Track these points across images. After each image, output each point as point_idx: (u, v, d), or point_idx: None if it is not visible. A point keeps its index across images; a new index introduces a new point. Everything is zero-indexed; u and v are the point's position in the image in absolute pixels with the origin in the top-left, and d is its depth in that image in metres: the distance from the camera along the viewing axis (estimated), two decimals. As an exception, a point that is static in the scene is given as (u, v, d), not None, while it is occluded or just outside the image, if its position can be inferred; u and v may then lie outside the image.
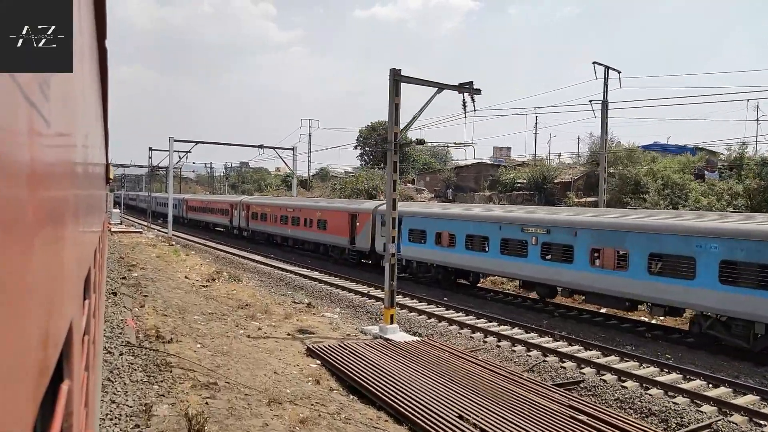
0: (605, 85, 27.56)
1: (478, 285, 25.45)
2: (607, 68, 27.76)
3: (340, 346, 14.00)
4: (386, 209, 16.89)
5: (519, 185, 41.30)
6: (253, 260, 33.77)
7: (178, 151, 44.95)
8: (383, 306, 17.46)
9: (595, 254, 17.71)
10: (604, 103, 27.68)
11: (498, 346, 15.95)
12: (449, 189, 48.35)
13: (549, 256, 19.09)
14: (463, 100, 17.85)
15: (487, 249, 21.51)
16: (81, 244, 1.92)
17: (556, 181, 38.00)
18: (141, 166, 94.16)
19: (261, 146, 45.08)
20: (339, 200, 37.84)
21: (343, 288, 24.16)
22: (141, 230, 53.36)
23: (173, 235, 44.24)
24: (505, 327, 18.04)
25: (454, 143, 19.53)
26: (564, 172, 38.88)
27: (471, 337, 17.00)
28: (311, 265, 31.32)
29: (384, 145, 15.95)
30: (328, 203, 34.29)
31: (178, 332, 13.64)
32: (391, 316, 16.40)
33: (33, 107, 0.88)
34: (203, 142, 43.43)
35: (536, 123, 50.19)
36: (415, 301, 21.99)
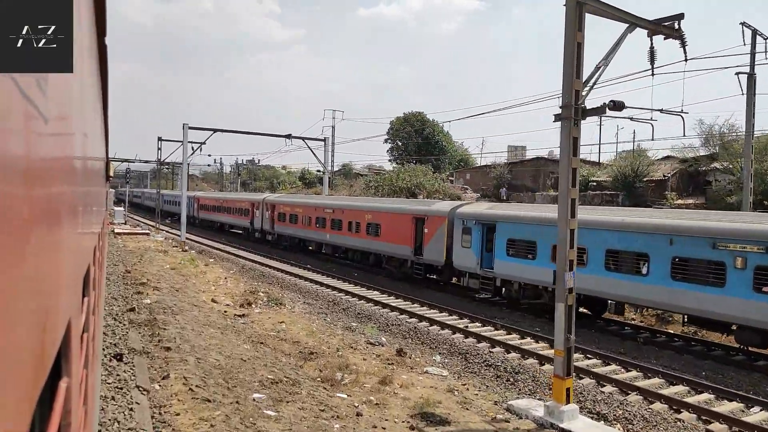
0: (752, 54, 21.25)
1: (603, 317, 19.12)
2: (755, 32, 21.43)
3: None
4: (559, 213, 10.57)
5: (594, 184, 34.93)
6: (288, 273, 27.48)
7: (192, 142, 38.71)
8: (540, 367, 11.18)
9: None
10: (751, 77, 21.36)
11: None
12: (503, 188, 42.04)
13: None
14: (651, 47, 11.53)
15: (645, 271, 15.16)
16: (80, 242, 1.84)
17: (645, 179, 31.72)
18: (147, 161, 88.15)
19: (289, 136, 38.85)
20: (397, 200, 31.49)
21: (430, 320, 17.78)
22: (148, 231, 47.19)
23: (186, 239, 37.97)
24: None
25: (661, 110, 13.29)
26: (652, 169, 32.62)
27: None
28: (362, 281, 25.04)
29: (560, 110, 8.75)
30: (381, 203, 28.01)
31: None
32: (568, 390, 10.07)
33: (30, 103, 0.88)
34: (221, 130, 37.23)
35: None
36: (544, 346, 15.59)
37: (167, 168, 67.75)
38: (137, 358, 9.79)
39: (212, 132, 36.48)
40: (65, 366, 1.36)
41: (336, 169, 73.45)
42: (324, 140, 40.60)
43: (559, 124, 10.18)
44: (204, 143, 40.83)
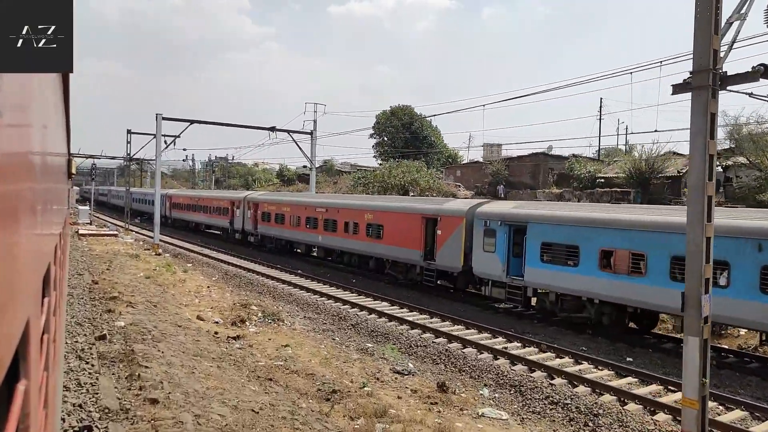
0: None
1: (653, 331, 16.77)
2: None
3: None
4: (689, 215, 7.98)
5: (602, 180, 32.84)
6: (279, 280, 24.49)
7: (166, 135, 35.16)
8: (622, 407, 8.61)
9: None
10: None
11: None
12: (500, 185, 39.70)
13: None
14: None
15: (724, 282, 12.78)
16: (39, 240, 1.76)
17: (659, 176, 29.69)
18: (113, 157, 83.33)
19: (272, 128, 35.70)
20: (403, 198, 28.68)
21: (461, 340, 15.06)
22: (116, 232, 43.41)
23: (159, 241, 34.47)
24: None
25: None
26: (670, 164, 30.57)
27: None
28: (364, 289, 22.26)
29: (689, 78, 5.76)
30: (385, 202, 25.22)
31: None
32: (703, 452, 7.51)
33: None
34: (198, 122, 33.84)
35: (601, 105, 41.83)
36: (610, 373, 13.02)
37: (135, 164, 63.61)
38: (113, 426, 6.82)
39: (189, 123, 33.10)
40: (23, 368, 1.33)
41: (317, 165, 70.35)
42: (310, 133, 37.58)
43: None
44: (178, 136, 37.29)
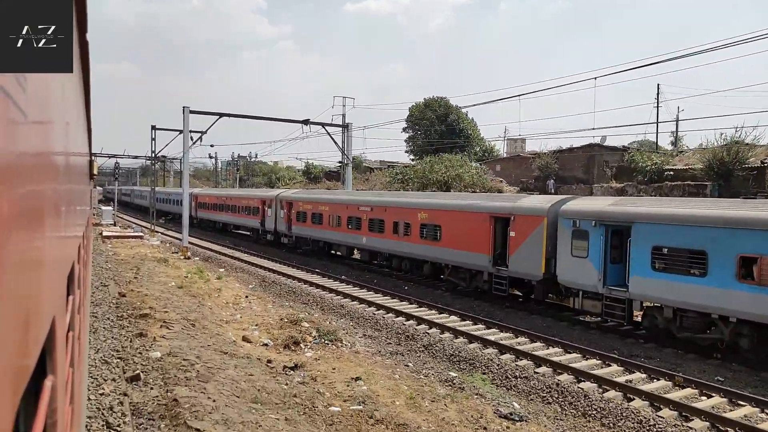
0: None
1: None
2: None
3: None
4: None
5: (671, 173, 29.64)
6: (324, 288, 21.89)
7: (193, 132, 32.76)
8: None
9: None
10: None
11: None
12: (551, 180, 36.63)
13: None
14: None
15: None
16: (62, 240, 1.82)
17: (744, 167, 26.42)
18: (136, 157, 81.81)
19: (306, 121, 33.18)
20: (465, 195, 25.84)
21: (573, 372, 12.19)
22: (141, 234, 41.34)
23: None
24: None
25: None
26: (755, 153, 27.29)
27: None
28: (418, 297, 19.59)
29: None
30: (444, 199, 22.42)
31: None
32: None
33: (9, 98, 0.86)
34: (227, 115, 31.40)
35: (658, 91, 38.36)
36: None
37: (159, 163, 61.74)
38: None
39: (217, 117, 30.68)
40: (50, 364, 1.35)
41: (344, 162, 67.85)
42: (345, 126, 34.96)
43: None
44: (205, 132, 34.96)
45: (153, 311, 14.66)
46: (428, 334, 15.09)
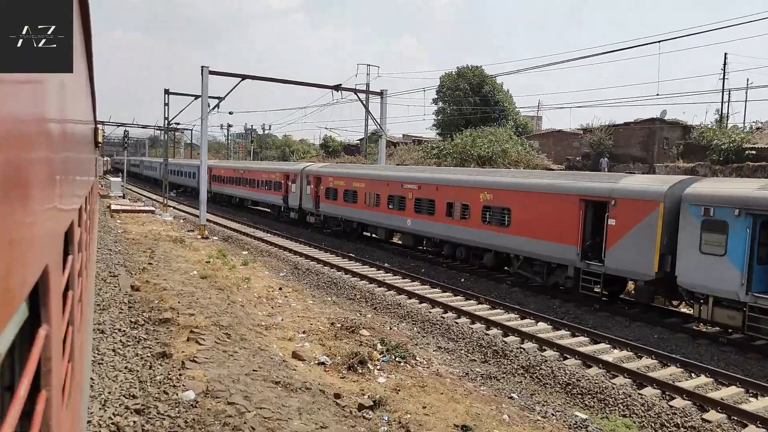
0: None
1: None
2: None
3: None
4: None
5: (753, 153, 26.07)
6: (371, 280, 18.69)
7: (212, 97, 29.22)
8: None
9: None
10: None
11: None
12: (604, 158, 33.04)
13: None
14: None
15: None
16: (59, 198, 1.83)
17: None
18: (145, 126, 78.47)
19: (337, 87, 29.61)
20: (540, 173, 22.24)
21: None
22: (153, 208, 38.25)
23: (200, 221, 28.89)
24: None
25: None
26: None
27: None
28: (478, 291, 16.42)
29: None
30: (515, 177, 18.92)
31: None
32: None
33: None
34: (250, 77, 27.86)
35: (725, 61, 34.26)
36: None
37: (171, 132, 58.33)
38: None
39: (240, 79, 27.15)
40: (44, 313, 1.38)
41: (360, 137, 64.20)
42: (380, 93, 31.36)
43: None
44: (223, 98, 31.48)
45: (176, 313, 11.52)
46: (524, 351, 11.84)
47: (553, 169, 32.47)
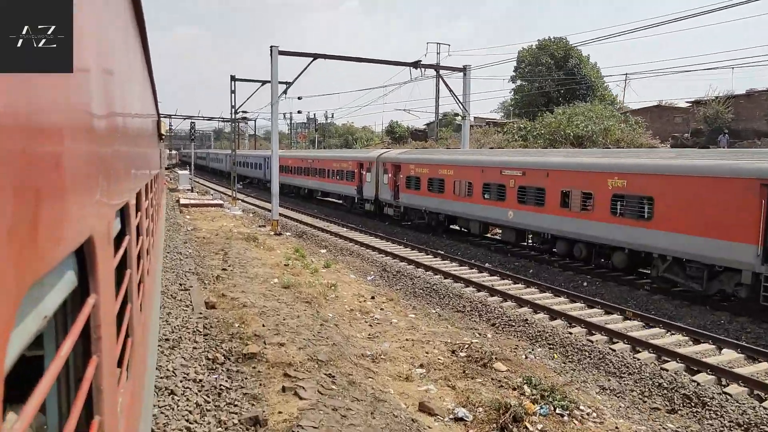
0: None
1: None
2: None
3: None
4: None
5: None
6: (476, 285, 15.77)
7: (282, 83, 26.85)
8: None
9: None
10: None
11: None
12: (723, 134, 28.52)
13: None
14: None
15: None
16: (111, 177, 1.84)
17: None
18: (211, 118, 78.29)
19: (416, 64, 26.64)
20: (689, 152, 18.61)
21: None
22: (221, 201, 36.81)
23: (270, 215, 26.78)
24: None
25: None
26: None
27: None
28: (618, 303, 13.18)
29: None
30: (654, 159, 15.44)
31: None
32: None
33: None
34: (323, 56, 25.32)
35: None
36: None
37: (236, 123, 57.18)
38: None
39: (312, 59, 24.68)
40: (93, 284, 1.37)
41: (430, 121, 60.97)
42: (463, 69, 28.10)
43: None
44: (292, 83, 29.09)
45: (262, 343, 9.04)
46: (729, 396, 8.59)
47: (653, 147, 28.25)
